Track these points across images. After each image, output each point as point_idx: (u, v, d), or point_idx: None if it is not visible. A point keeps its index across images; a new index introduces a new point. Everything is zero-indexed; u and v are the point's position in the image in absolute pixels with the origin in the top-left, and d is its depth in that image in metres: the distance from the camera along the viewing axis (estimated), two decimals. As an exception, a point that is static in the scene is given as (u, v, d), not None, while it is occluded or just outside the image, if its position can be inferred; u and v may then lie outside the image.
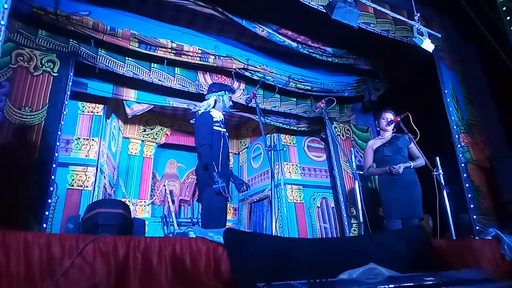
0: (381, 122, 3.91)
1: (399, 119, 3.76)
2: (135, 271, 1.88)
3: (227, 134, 3.41)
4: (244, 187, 3.30)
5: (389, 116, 3.88)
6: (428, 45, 3.94)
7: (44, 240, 1.79)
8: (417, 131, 3.63)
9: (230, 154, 6.95)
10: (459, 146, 4.31)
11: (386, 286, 1.74)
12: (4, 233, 1.73)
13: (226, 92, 3.45)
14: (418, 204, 3.59)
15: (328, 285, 1.64)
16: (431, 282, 1.86)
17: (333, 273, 1.95)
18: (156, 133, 6.33)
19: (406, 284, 1.78)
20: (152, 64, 4.48)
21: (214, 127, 3.24)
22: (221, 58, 4.65)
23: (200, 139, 3.17)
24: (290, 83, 5.08)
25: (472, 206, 4.04)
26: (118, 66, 4.23)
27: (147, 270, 1.92)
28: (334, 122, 5.58)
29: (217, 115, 3.37)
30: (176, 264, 2.00)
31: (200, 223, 3.50)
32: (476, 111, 4.65)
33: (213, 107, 3.41)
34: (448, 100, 4.46)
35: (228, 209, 3.40)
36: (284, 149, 5.65)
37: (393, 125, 3.86)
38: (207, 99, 3.46)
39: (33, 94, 3.47)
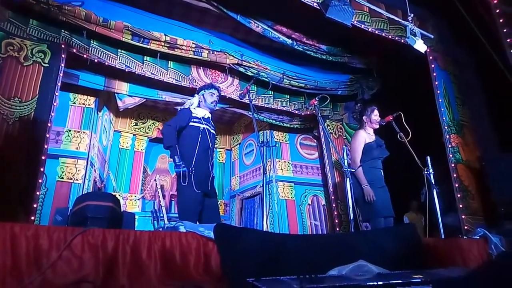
0: (373, 118, 3.89)
1: (391, 117, 3.77)
2: (124, 265, 1.87)
3: (212, 131, 3.45)
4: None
5: (377, 113, 3.92)
6: (420, 46, 3.95)
7: (31, 232, 1.77)
8: (409, 130, 3.65)
9: (222, 150, 6.96)
10: (449, 146, 4.34)
11: (375, 283, 1.74)
12: (-10, 224, 1.71)
13: (206, 89, 3.53)
14: (390, 204, 3.68)
15: (318, 281, 1.64)
16: (419, 280, 1.87)
17: (322, 269, 1.95)
18: (148, 127, 6.29)
19: (395, 281, 1.78)
20: (145, 57, 4.44)
21: (192, 123, 3.31)
22: (215, 53, 4.62)
23: (167, 121, 3.33)
24: (284, 80, 5.08)
25: (461, 206, 4.08)
26: (111, 58, 4.19)
27: (136, 263, 1.91)
28: (327, 120, 5.59)
29: (202, 113, 3.44)
30: (166, 258, 1.99)
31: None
32: (467, 112, 4.68)
33: (199, 106, 3.51)
34: (440, 100, 4.49)
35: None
36: (277, 145, 5.65)
37: (384, 123, 3.88)
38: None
39: (23, 85, 3.42)
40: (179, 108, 3.57)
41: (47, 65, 3.58)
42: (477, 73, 4.88)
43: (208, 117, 3.48)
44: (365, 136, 3.92)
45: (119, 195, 5.51)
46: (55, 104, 3.50)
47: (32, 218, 3.09)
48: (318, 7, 3.73)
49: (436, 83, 4.55)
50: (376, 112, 3.93)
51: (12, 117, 3.24)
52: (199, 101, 3.52)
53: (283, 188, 5.40)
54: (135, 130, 6.15)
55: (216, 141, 3.70)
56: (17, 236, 1.73)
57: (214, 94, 3.53)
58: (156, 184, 5.51)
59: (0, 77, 3.32)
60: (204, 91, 3.53)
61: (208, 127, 3.38)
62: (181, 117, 3.34)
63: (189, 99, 4.69)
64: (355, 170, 3.76)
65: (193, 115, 3.36)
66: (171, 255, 2.02)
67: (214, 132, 3.51)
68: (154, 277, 1.90)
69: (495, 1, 4.27)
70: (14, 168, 3.10)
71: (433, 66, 4.62)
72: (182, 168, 3.06)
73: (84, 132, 4.28)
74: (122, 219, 2.74)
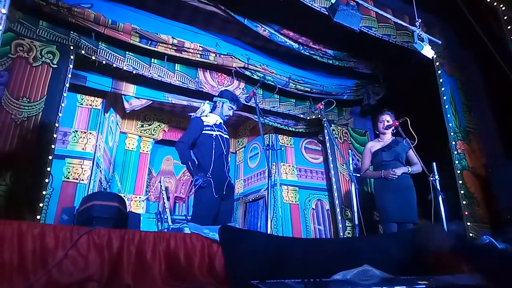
0: (379, 125, 3.92)
1: (397, 123, 3.77)
2: (129, 265, 1.87)
3: (226, 136, 3.48)
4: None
5: (386, 118, 3.89)
6: (428, 51, 3.96)
7: (38, 230, 1.78)
8: (415, 136, 3.64)
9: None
10: (455, 153, 4.32)
11: (380, 288, 1.74)
12: (-2, 221, 1.72)
13: (228, 100, 3.51)
14: (413, 209, 3.62)
15: (322, 285, 1.64)
16: (424, 286, 1.86)
17: (327, 273, 1.94)
18: (154, 129, 6.31)
19: (399, 287, 1.78)
20: (152, 59, 4.47)
21: (204, 131, 3.33)
22: (222, 56, 4.64)
23: (180, 137, 3.36)
24: (290, 84, 5.09)
25: (466, 213, 4.06)
26: (118, 60, 4.22)
27: (141, 264, 1.91)
28: (332, 125, 5.59)
29: (214, 119, 3.45)
30: (170, 259, 1.99)
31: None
32: (474, 118, 4.67)
33: (212, 111, 3.52)
34: (447, 106, 4.48)
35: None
36: (282, 149, 5.65)
37: (391, 128, 3.86)
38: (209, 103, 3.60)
39: (31, 85, 3.45)
40: (192, 115, 3.58)
41: (55, 66, 3.62)
42: (484, 80, 4.87)
43: (220, 123, 3.49)
44: (370, 146, 3.98)
45: (124, 196, 5.53)
46: (62, 104, 3.53)
47: (38, 217, 3.11)
48: (326, 12, 3.75)
49: (443, 89, 4.55)
50: (382, 118, 3.93)
51: (20, 117, 3.28)
52: (215, 106, 3.52)
53: (287, 192, 5.39)
54: (141, 132, 6.17)
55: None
56: (24, 234, 1.74)
57: (232, 109, 3.55)
58: (161, 185, 5.52)
59: (9, 77, 3.36)
60: (225, 102, 3.50)
61: (220, 133, 3.40)
62: (193, 129, 3.35)
63: (195, 101, 4.77)
64: (360, 175, 3.79)
65: (205, 123, 3.38)
66: (175, 256, 2.02)
67: (228, 137, 3.52)
68: (159, 277, 1.90)
69: (503, 8, 4.27)
70: (21, 167, 3.13)
71: (439, 72, 4.62)
72: (200, 181, 3.10)
73: (90, 133, 4.31)
74: (127, 219, 2.75)
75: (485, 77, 4.85)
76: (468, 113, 4.66)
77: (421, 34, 3.99)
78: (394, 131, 3.91)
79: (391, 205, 3.56)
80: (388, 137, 3.91)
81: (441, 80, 4.59)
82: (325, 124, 3.86)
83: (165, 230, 4.29)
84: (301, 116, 5.50)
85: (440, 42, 4.33)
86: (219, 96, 3.57)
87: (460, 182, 4.19)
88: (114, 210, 2.55)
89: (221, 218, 3.19)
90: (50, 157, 3.30)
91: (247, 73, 4.86)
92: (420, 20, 4.06)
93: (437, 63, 4.64)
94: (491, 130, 4.69)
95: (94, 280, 1.72)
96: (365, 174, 3.92)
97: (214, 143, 3.31)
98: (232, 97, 3.57)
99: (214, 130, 3.37)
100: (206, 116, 3.48)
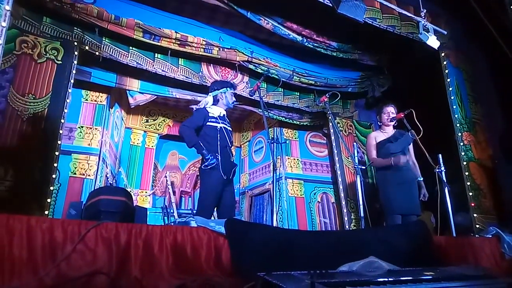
0: (383, 117, 3.88)
1: (402, 115, 3.74)
2: (136, 258, 1.89)
3: (229, 128, 3.48)
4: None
5: (391, 110, 3.85)
6: (433, 42, 3.92)
7: (47, 225, 1.80)
8: (420, 127, 3.62)
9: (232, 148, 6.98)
10: (461, 144, 4.29)
11: (386, 279, 1.74)
12: (8, 216, 1.74)
13: (228, 88, 3.51)
14: (416, 201, 3.62)
15: (328, 276, 1.64)
16: (430, 277, 1.86)
17: (333, 265, 1.95)
18: (159, 124, 6.33)
19: (405, 278, 1.78)
20: (156, 54, 4.47)
21: (209, 123, 3.33)
22: (225, 50, 4.63)
23: (183, 122, 3.37)
24: (294, 77, 5.07)
25: (472, 204, 4.04)
26: (122, 56, 4.22)
27: (148, 257, 1.93)
28: (337, 118, 5.57)
29: (218, 111, 3.44)
30: (177, 253, 2.01)
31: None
32: (480, 109, 4.62)
33: (215, 104, 3.50)
34: (452, 97, 4.44)
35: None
36: (287, 142, 5.65)
37: (395, 121, 3.83)
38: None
39: (36, 82, 3.47)
40: (194, 107, 3.57)
41: (60, 62, 3.63)
42: (490, 71, 4.81)
43: (224, 115, 3.49)
44: (375, 135, 3.93)
45: (130, 191, 5.56)
46: (68, 100, 3.55)
47: (46, 212, 3.14)
48: (329, 3, 3.72)
49: (448, 80, 4.50)
50: (386, 110, 3.89)
51: (26, 113, 3.30)
52: (218, 99, 3.48)
53: (293, 186, 5.40)
54: (145, 127, 6.20)
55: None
56: (33, 229, 1.76)
57: (234, 92, 3.57)
58: (167, 180, 5.56)
59: (14, 74, 3.37)
60: (227, 90, 3.49)
61: (225, 125, 3.40)
62: (197, 116, 3.34)
63: (199, 96, 4.77)
64: (366, 167, 3.76)
65: (210, 114, 3.37)
66: (182, 250, 2.04)
67: (231, 129, 3.52)
68: (166, 270, 1.92)
69: (510, -3, 4.20)
70: (28, 163, 3.15)
71: (445, 63, 4.57)
72: (212, 160, 3.12)
73: (96, 129, 4.33)
74: (134, 213, 2.78)
75: (491, 68, 4.79)
76: (474, 104, 4.61)
77: (426, 25, 3.95)
78: (396, 124, 3.88)
79: (395, 198, 3.55)
80: (390, 129, 3.88)
81: (446, 71, 4.54)
82: (330, 117, 3.84)
83: (172, 224, 4.32)
84: (306, 109, 5.49)
85: (445, 33, 4.28)
86: (215, 89, 3.50)
87: (467, 173, 4.16)
88: (121, 204, 2.58)
89: (227, 201, 3.24)
90: (57, 153, 3.33)
91: (251, 66, 4.85)
92: (425, 11, 4.02)
93: (443, 54, 4.59)
94: (498, 121, 4.64)
95: (102, 273, 1.74)
96: (375, 162, 3.86)
97: (219, 135, 3.31)
98: (228, 84, 3.60)
99: (219, 122, 3.37)
100: (210, 108, 3.48)
